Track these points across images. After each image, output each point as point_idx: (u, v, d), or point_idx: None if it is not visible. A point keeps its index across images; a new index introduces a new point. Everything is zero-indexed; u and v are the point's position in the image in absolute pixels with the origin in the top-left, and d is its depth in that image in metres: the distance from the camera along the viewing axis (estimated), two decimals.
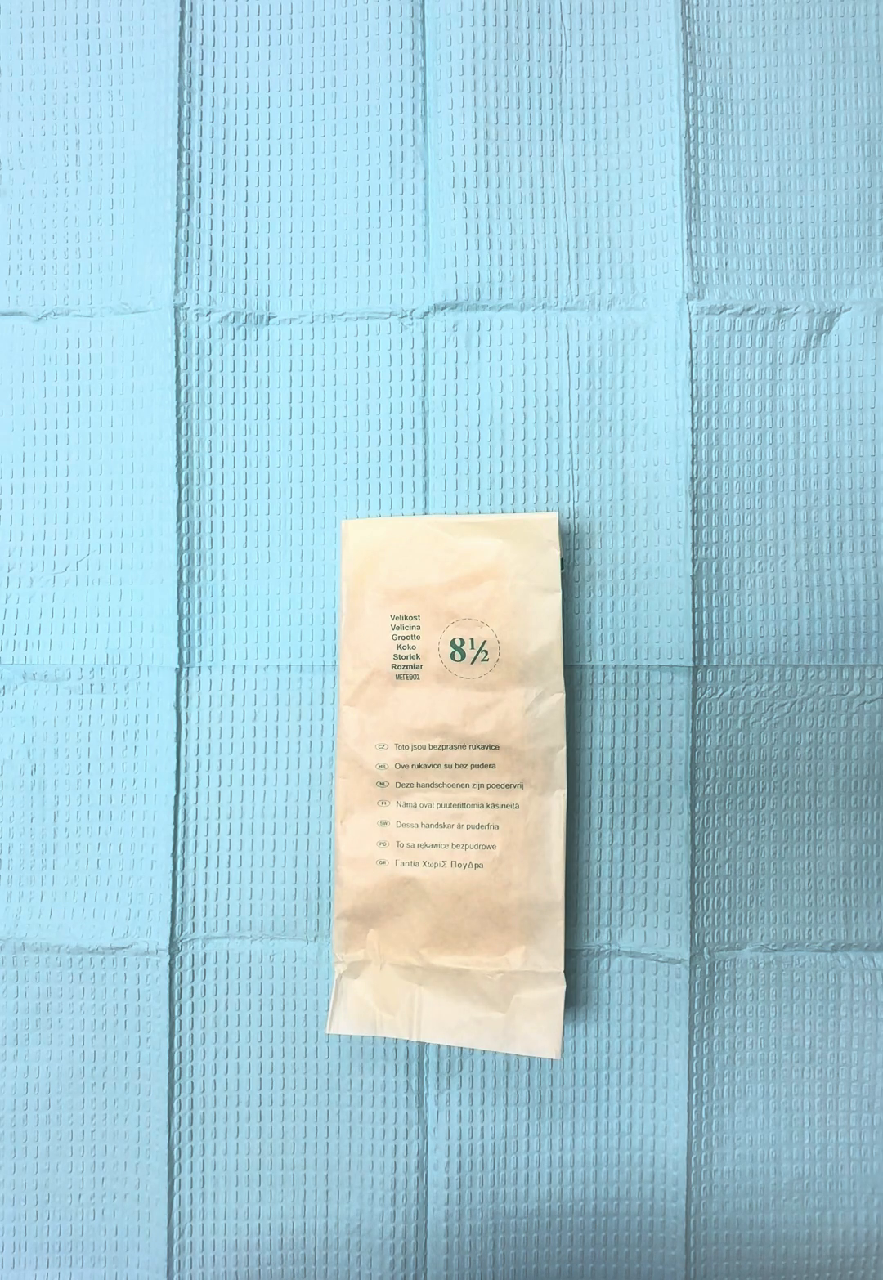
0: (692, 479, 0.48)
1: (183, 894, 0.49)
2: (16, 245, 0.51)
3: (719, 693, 0.48)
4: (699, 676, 0.48)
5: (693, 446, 0.48)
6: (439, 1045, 0.48)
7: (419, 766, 0.46)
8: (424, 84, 0.50)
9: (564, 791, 0.46)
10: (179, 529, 0.49)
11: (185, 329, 0.49)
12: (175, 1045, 0.49)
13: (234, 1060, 0.49)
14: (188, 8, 0.51)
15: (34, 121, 0.52)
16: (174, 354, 0.49)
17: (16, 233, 0.51)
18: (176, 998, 0.49)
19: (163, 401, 0.49)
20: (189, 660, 0.49)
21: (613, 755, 0.49)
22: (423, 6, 0.50)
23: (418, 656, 0.46)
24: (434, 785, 0.46)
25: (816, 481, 0.49)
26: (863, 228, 0.49)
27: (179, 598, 0.49)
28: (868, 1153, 0.48)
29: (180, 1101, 0.49)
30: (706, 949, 0.48)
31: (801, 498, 0.49)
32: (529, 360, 0.49)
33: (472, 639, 0.46)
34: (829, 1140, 0.48)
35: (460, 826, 0.46)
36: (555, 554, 0.46)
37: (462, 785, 0.46)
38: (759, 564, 0.49)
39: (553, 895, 0.45)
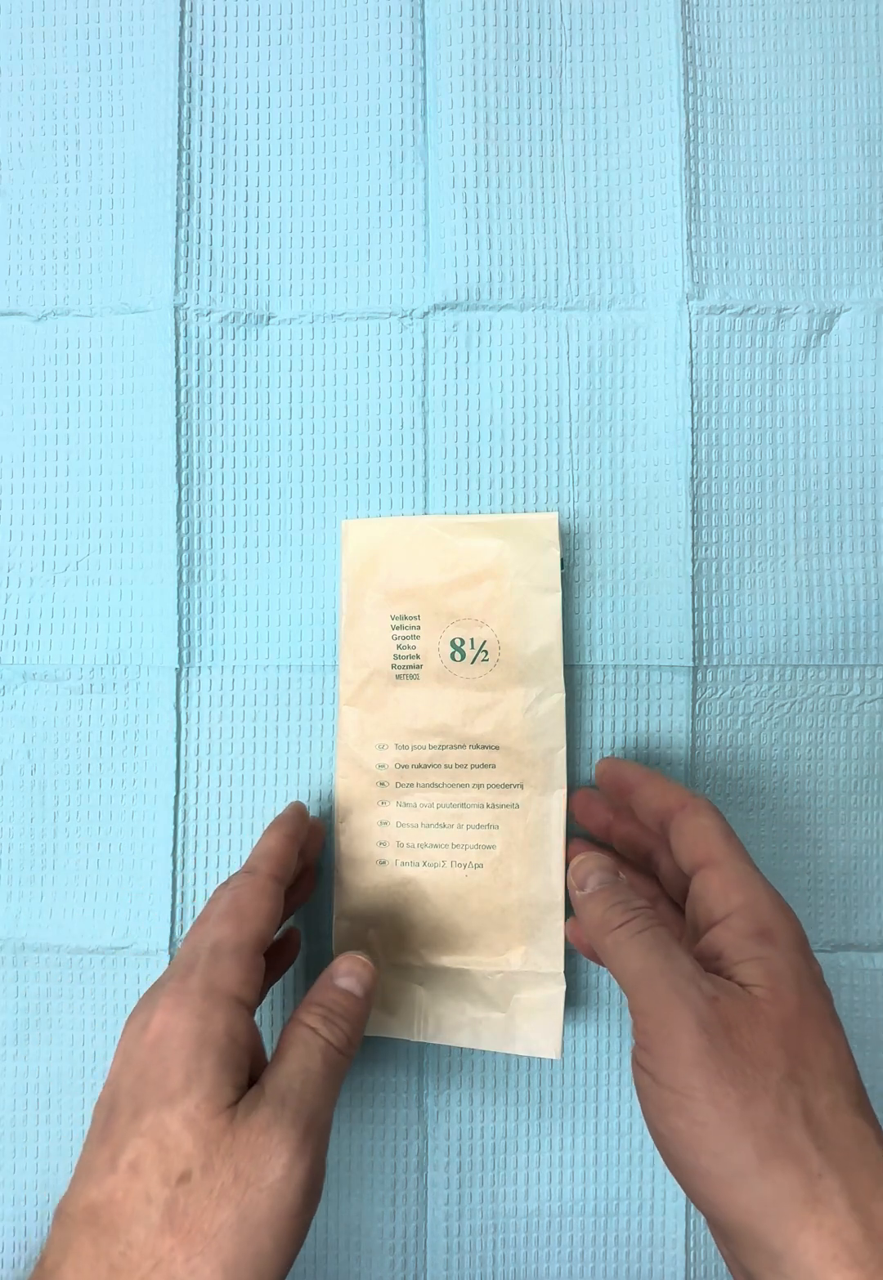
0: (692, 479, 0.48)
1: (183, 894, 0.49)
2: (16, 245, 0.51)
3: (719, 693, 0.48)
4: (699, 676, 0.48)
5: (693, 446, 0.48)
6: (439, 1045, 0.48)
7: (419, 766, 0.46)
8: (424, 84, 0.50)
9: (564, 791, 0.46)
10: (179, 529, 0.49)
11: (185, 329, 0.49)
12: None
13: None
14: (188, 8, 0.51)
15: (34, 121, 0.51)
16: (174, 354, 0.49)
17: (16, 233, 0.51)
18: None
19: (163, 401, 0.49)
20: (189, 660, 0.49)
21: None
22: (423, 6, 0.50)
23: (418, 656, 0.46)
24: (434, 785, 0.46)
25: (816, 481, 0.49)
26: (863, 228, 0.49)
27: (179, 598, 0.49)
28: None
29: None
30: None
31: (801, 498, 0.49)
32: (529, 360, 0.49)
33: (472, 639, 0.46)
34: None
35: (460, 826, 0.46)
36: (555, 554, 0.46)
37: (462, 785, 0.46)
38: (759, 564, 0.49)
39: (553, 895, 0.45)
